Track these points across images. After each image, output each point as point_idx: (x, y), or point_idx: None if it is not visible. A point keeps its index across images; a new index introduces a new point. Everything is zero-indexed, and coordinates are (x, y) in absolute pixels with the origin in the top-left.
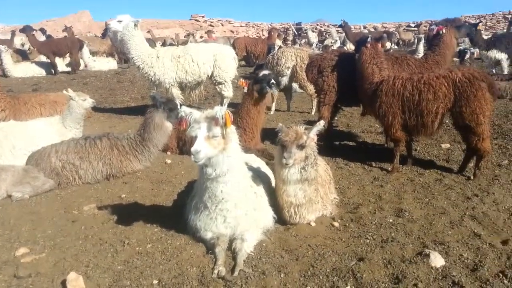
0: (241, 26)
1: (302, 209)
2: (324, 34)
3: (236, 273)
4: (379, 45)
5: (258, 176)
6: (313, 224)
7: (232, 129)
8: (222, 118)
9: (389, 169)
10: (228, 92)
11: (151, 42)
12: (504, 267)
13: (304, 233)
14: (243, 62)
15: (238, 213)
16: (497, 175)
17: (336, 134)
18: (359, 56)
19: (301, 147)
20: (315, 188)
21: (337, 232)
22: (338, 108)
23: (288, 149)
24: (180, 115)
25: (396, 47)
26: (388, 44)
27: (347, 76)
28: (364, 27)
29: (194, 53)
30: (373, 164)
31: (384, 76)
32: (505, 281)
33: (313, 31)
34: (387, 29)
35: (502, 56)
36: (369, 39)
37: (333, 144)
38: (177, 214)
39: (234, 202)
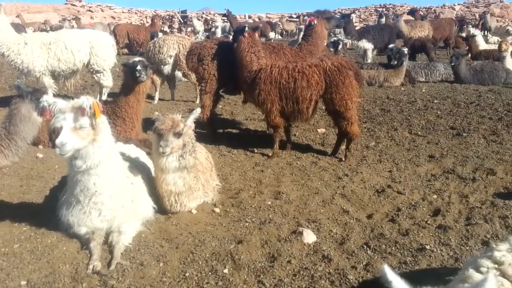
0: (123, 12)
1: (183, 197)
2: (210, 22)
3: (112, 267)
4: (256, 34)
5: (135, 166)
6: (194, 211)
7: (102, 119)
8: (90, 108)
9: (270, 154)
10: (107, 81)
11: (21, 27)
12: (368, 238)
13: (185, 221)
14: (126, 50)
15: (114, 205)
16: (365, 156)
17: (219, 122)
18: (237, 45)
19: (178, 135)
20: (195, 175)
21: (218, 217)
22: (220, 96)
23: (164, 137)
24: (42, 104)
25: (280, 37)
26: (272, 34)
27: (228, 65)
28: (249, 17)
29: (68, 39)
30: (255, 150)
31: (262, 65)
32: (369, 252)
33: (198, 19)
34: (271, 20)
35: (368, 46)
36: (246, 29)
37: (216, 132)
38: (49, 211)
39: (109, 194)
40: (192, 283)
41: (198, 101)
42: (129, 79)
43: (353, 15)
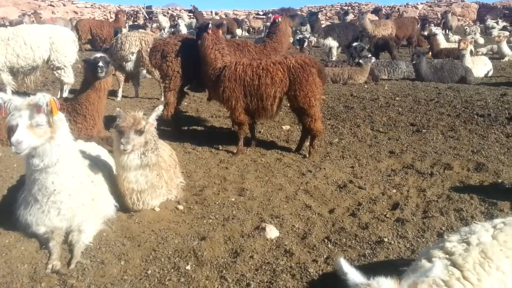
0: (86, 7)
1: (145, 195)
2: (176, 18)
3: (72, 266)
4: (220, 31)
5: (96, 164)
6: (157, 209)
7: (60, 117)
8: (47, 105)
9: (235, 151)
10: (68, 78)
11: None
12: (329, 233)
13: (148, 219)
14: (88, 46)
15: (74, 204)
16: (328, 152)
17: (185, 119)
18: (201, 42)
19: (140, 132)
20: (158, 173)
21: (182, 215)
22: (184, 93)
23: (125, 134)
24: None
25: (246, 34)
26: (238, 31)
27: (192, 61)
28: (216, 14)
29: (27, 35)
30: (220, 147)
31: (226, 62)
32: (329, 245)
33: (164, 15)
34: (237, 16)
35: (333, 43)
36: (210, 26)
37: (181, 129)
38: (7, 210)
39: (68, 193)
40: (154, 280)
41: (162, 98)
42: (90, 76)
43: (320, 13)
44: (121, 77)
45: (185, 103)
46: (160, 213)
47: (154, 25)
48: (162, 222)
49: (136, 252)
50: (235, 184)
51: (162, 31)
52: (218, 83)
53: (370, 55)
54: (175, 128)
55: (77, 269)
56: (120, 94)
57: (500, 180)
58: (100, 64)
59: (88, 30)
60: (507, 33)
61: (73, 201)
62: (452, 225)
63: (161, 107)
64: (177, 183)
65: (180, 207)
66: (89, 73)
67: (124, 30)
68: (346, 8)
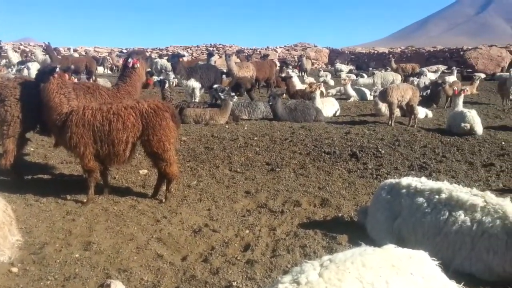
0: None
1: None
2: (29, 54)
3: None
4: (67, 75)
5: None
6: None
7: None
8: None
9: (84, 200)
10: None
11: None
12: (180, 282)
13: None
14: None
15: None
16: (186, 195)
17: (29, 167)
18: (44, 86)
19: None
20: None
21: (15, 278)
22: (26, 140)
23: None
24: None
25: (109, 72)
26: (100, 69)
27: (35, 106)
28: (75, 50)
29: None
30: (68, 197)
31: (73, 107)
32: None
33: (15, 51)
34: (99, 54)
35: (196, 85)
36: (57, 69)
37: (23, 179)
38: None
39: None
40: None
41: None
42: None
43: (185, 53)
44: None
45: (32, 149)
46: None
47: (3, 61)
48: None
49: None
50: (81, 238)
51: (11, 68)
52: (65, 129)
53: (233, 94)
54: (16, 178)
55: None
56: None
57: (340, 214)
58: None
59: None
60: (352, 76)
61: None
62: (297, 261)
63: None
64: (13, 241)
65: (14, 269)
66: None
67: None
68: (211, 49)
